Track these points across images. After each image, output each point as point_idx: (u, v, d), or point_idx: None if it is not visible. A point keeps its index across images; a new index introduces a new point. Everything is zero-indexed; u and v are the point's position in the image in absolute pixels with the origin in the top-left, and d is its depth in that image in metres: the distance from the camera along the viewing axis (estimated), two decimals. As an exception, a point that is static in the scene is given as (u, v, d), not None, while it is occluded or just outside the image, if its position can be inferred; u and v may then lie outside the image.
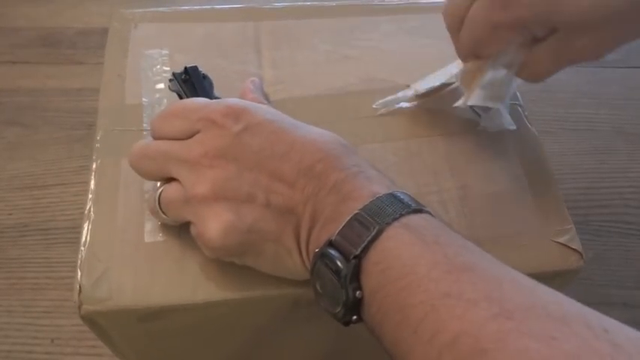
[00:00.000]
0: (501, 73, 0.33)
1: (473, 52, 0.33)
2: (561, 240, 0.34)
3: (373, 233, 0.25)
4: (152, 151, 0.31)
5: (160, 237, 0.33)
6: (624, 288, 0.57)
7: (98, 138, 0.38)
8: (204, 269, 0.32)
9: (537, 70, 0.32)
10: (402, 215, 0.26)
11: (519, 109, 0.40)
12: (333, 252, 0.26)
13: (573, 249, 0.34)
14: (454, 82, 0.38)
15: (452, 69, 0.38)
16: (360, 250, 0.25)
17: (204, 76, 0.37)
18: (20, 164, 0.64)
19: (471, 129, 0.39)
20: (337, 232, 0.26)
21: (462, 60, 0.35)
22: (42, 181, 0.63)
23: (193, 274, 0.32)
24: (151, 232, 0.33)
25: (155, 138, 0.32)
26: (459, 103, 0.35)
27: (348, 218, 0.26)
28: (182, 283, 0.32)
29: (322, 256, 0.26)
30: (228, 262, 0.31)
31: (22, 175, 0.63)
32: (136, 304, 0.31)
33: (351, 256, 0.25)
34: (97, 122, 0.38)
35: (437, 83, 0.39)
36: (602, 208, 0.62)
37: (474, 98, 0.34)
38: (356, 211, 0.26)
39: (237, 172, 0.29)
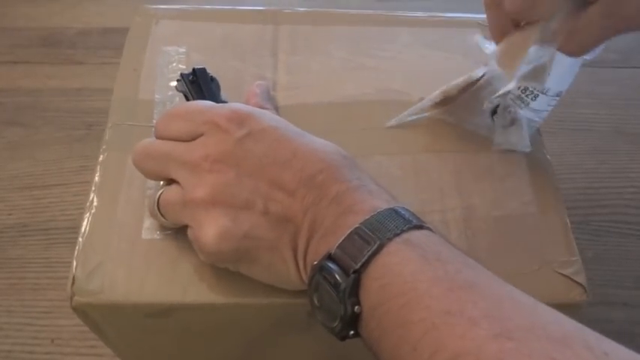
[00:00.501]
0: (544, 48, 0.31)
1: (520, 16, 0.31)
2: (566, 272, 0.33)
3: (374, 248, 0.25)
4: (154, 151, 0.31)
5: (157, 235, 0.33)
6: (624, 288, 0.57)
7: (108, 131, 0.38)
8: (197, 271, 0.32)
9: (584, 39, 0.30)
10: (403, 231, 0.25)
11: (537, 134, 0.40)
12: (332, 265, 0.26)
13: (577, 282, 0.33)
14: (481, 78, 0.36)
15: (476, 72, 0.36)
16: (360, 264, 0.25)
17: (212, 79, 0.37)
18: (20, 164, 0.64)
19: (483, 148, 0.38)
20: (337, 245, 0.26)
21: (499, 36, 0.33)
22: (42, 181, 0.63)
23: (186, 275, 0.32)
24: (149, 229, 0.34)
25: (158, 138, 0.32)
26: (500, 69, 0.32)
27: (349, 232, 0.26)
28: (174, 282, 0.32)
29: (321, 269, 0.26)
30: (223, 267, 0.31)
31: (22, 175, 0.63)
32: (126, 300, 0.31)
33: (351, 271, 0.25)
34: (109, 114, 0.39)
35: (459, 81, 0.37)
36: (602, 208, 0.62)
37: (520, 78, 0.32)
38: (357, 225, 0.26)
39: (237, 178, 0.28)
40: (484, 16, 0.46)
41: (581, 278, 0.33)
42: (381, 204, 0.27)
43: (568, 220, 0.36)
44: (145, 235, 0.33)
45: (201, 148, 0.29)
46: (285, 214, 0.28)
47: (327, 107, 0.40)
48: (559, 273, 0.33)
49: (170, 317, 0.33)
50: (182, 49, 0.42)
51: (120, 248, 0.33)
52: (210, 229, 0.28)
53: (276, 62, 0.42)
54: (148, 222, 0.34)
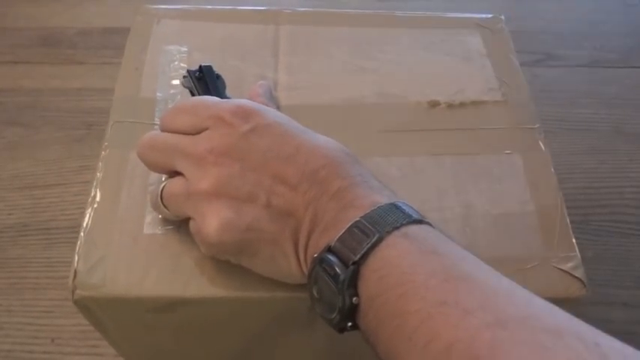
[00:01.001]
0: None
1: None
2: (565, 267, 0.33)
3: (373, 240, 0.25)
4: (160, 143, 0.31)
5: (159, 230, 0.33)
6: (624, 288, 0.57)
7: (109, 128, 0.38)
8: (199, 265, 0.32)
9: None
10: (402, 225, 0.26)
11: (536, 132, 0.40)
12: (331, 257, 0.26)
13: (576, 277, 0.33)
14: None
15: None
16: (359, 256, 0.25)
17: (218, 76, 0.37)
18: (20, 164, 0.64)
19: (481, 150, 0.39)
20: (337, 238, 0.26)
21: None
22: (42, 180, 0.63)
23: (188, 269, 0.32)
24: (150, 224, 0.34)
25: (164, 131, 0.32)
26: None
27: (349, 225, 0.26)
28: (175, 277, 0.32)
29: (321, 261, 0.27)
30: (224, 261, 0.31)
31: (22, 175, 0.63)
32: (127, 294, 0.31)
33: (350, 262, 0.25)
34: (110, 112, 0.39)
35: None
36: (602, 208, 0.63)
37: None
38: (357, 219, 0.26)
39: (241, 171, 0.29)
40: (484, 15, 0.47)
41: (579, 273, 0.33)
42: (382, 199, 0.27)
43: (567, 217, 0.36)
44: (147, 229, 0.33)
45: (206, 142, 0.29)
46: (288, 208, 0.29)
47: (327, 108, 0.40)
48: (558, 268, 0.33)
49: (171, 312, 0.33)
50: (184, 48, 0.43)
51: (122, 243, 0.33)
52: (212, 220, 0.28)
53: (276, 62, 0.43)
54: (149, 217, 0.34)
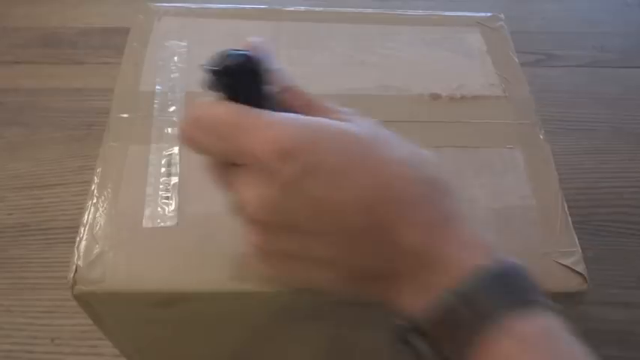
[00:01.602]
0: None
1: None
2: (566, 262, 0.33)
3: (470, 338, 0.21)
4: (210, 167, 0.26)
5: (158, 223, 0.33)
6: (624, 288, 0.57)
7: (110, 121, 0.38)
8: (199, 259, 0.32)
9: None
10: (506, 313, 0.21)
11: (537, 127, 0.40)
12: (422, 345, 0.22)
13: (577, 272, 0.33)
14: None
15: None
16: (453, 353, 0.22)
17: (255, 71, 0.26)
18: (21, 164, 0.64)
19: (483, 145, 0.39)
20: (425, 315, 0.22)
21: None
22: (42, 180, 0.63)
23: (188, 263, 0.32)
24: (149, 217, 0.34)
25: (187, 146, 0.25)
26: None
27: (439, 302, 0.22)
28: (175, 271, 0.32)
29: (406, 342, 0.23)
30: (224, 255, 0.31)
31: (22, 175, 0.63)
32: (127, 289, 0.31)
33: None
34: (111, 106, 0.39)
35: None
36: (602, 208, 0.62)
37: None
38: (449, 297, 0.22)
39: (288, 234, 0.24)
40: (484, 14, 0.47)
41: (581, 268, 0.33)
42: (476, 258, 0.22)
43: (568, 212, 0.36)
44: (146, 223, 0.33)
45: (244, 189, 0.24)
46: (355, 271, 0.24)
47: (328, 98, 0.40)
48: (559, 263, 0.33)
49: (171, 306, 0.33)
50: (183, 43, 0.43)
51: (121, 237, 0.33)
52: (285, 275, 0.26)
53: (277, 55, 0.43)
54: (148, 210, 0.34)
